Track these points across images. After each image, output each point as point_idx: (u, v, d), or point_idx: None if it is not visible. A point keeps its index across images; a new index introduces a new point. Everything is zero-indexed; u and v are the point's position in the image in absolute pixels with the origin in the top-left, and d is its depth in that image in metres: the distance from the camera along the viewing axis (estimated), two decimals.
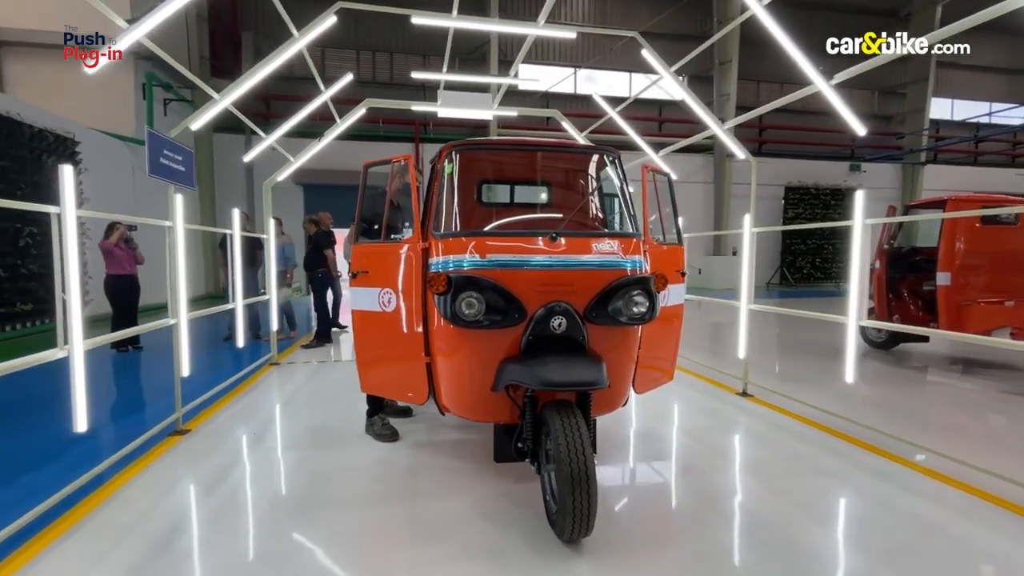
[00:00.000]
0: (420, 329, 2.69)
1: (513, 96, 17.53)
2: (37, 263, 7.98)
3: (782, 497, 2.71)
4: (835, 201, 18.64)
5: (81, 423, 2.47)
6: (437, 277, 2.38)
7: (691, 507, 2.63)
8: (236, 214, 4.57)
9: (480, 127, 16.68)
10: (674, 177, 3.30)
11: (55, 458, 3.18)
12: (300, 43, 3.62)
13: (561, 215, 3.12)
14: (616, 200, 2.95)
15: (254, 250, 6.79)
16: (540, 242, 2.49)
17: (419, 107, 5.60)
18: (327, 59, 16.73)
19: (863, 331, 6.44)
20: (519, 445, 2.47)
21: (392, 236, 2.91)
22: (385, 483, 2.84)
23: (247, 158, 5.12)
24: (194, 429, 3.66)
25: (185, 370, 3.59)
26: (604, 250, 2.53)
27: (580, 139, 6.15)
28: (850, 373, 3.41)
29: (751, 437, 3.63)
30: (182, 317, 3.56)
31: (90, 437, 3.39)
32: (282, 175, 5.64)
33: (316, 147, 5.68)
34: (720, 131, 4.33)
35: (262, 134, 5.13)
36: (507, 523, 2.40)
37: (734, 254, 18.43)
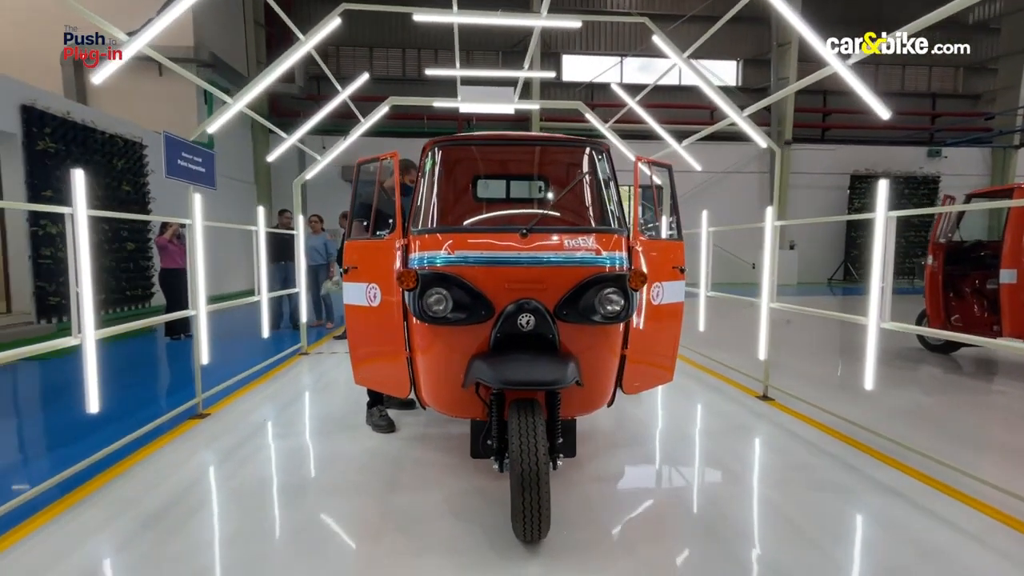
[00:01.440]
0: (402, 324, 2.73)
1: (555, 88, 17.35)
2: (109, 257, 8.79)
3: (769, 511, 2.55)
4: (909, 190, 17.09)
5: (93, 405, 2.70)
6: (406, 274, 2.40)
7: (667, 516, 2.52)
8: (260, 212, 4.82)
9: (522, 120, 16.62)
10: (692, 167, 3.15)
11: (81, 437, 3.50)
12: (307, 46, 3.75)
13: (544, 210, 3.06)
14: (603, 194, 2.85)
15: (289, 246, 7.12)
16: (510, 238, 2.45)
17: (440, 103, 5.66)
18: (365, 57, 17.21)
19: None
20: (488, 443, 2.47)
21: (378, 233, 2.96)
22: (367, 473, 2.92)
23: (270, 158, 5.38)
24: (213, 414, 3.91)
25: (205, 358, 3.84)
26: (577, 246, 2.46)
27: (605, 131, 5.98)
28: (870, 379, 3.13)
29: (759, 445, 3.42)
30: (201, 309, 3.81)
31: (119, 417, 3.72)
32: (310, 173, 5.88)
33: (343, 145, 5.88)
34: (739, 118, 4.08)
35: (283, 134, 5.36)
36: (474, 520, 2.40)
37: (791, 248, 17.38)
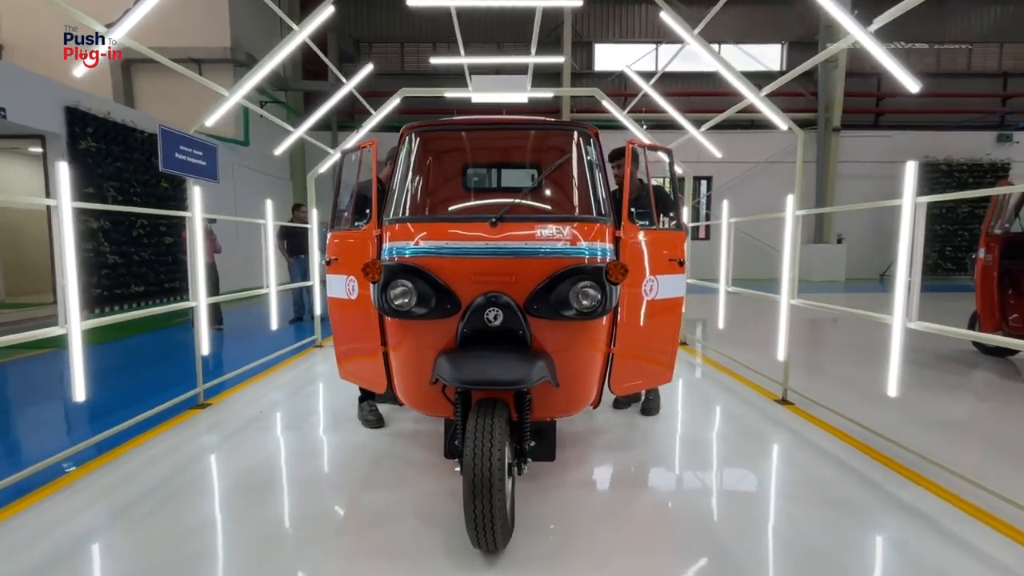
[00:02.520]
0: (377, 318, 2.64)
1: (588, 78, 16.93)
2: (148, 251, 9.21)
3: (762, 530, 2.30)
4: (973, 179, 15.72)
5: (80, 394, 2.75)
6: (371, 265, 2.30)
7: (649, 529, 2.32)
8: (268, 205, 4.86)
9: (554, 111, 16.34)
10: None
11: (83, 423, 3.61)
12: (301, 35, 3.72)
13: (517, 199, 2.88)
14: (588, 181, 2.66)
15: (305, 240, 7.21)
16: (480, 228, 2.31)
17: (451, 94, 5.55)
18: (400, 53, 17.30)
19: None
20: (455, 443, 2.34)
21: (356, 224, 2.88)
22: (343, 469, 2.86)
23: (278, 151, 5.41)
24: (214, 404, 3.97)
25: (205, 349, 3.89)
26: (550, 236, 2.29)
27: (622, 119, 5.72)
28: (893, 385, 2.81)
29: (768, 454, 3.14)
30: (201, 301, 3.86)
31: (123, 406, 3.83)
32: (323, 167, 5.91)
33: (356, 137, 5.87)
34: (757, 99, 3.76)
35: (289, 127, 5.39)
36: (438, 523, 2.29)
37: (839, 241, 16.37)
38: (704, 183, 16.67)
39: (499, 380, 2.03)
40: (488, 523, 1.88)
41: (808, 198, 16.24)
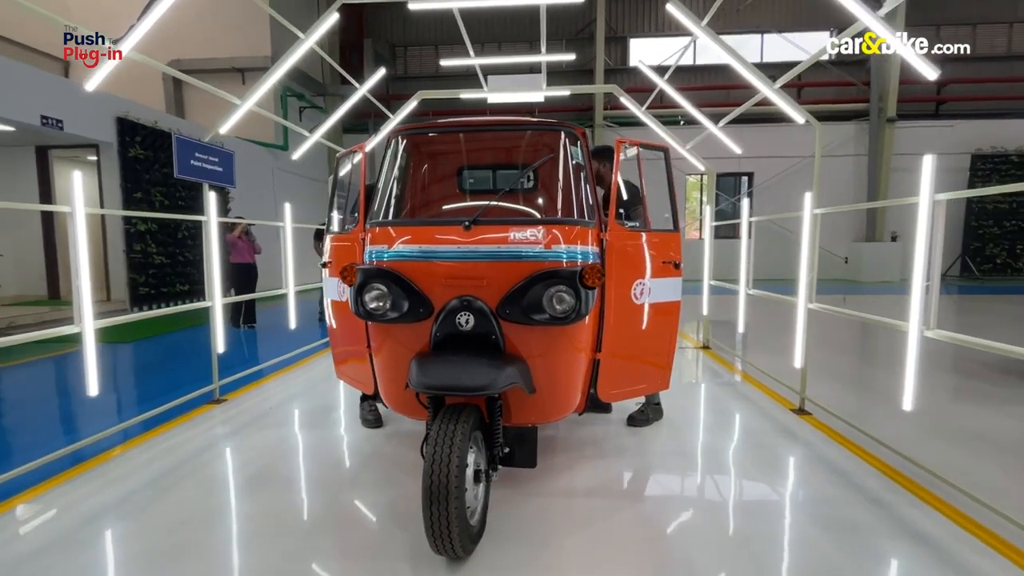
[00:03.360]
0: (363, 321, 2.67)
1: (622, 74, 16.60)
2: (191, 252, 9.74)
3: (744, 550, 2.17)
4: None
5: (92, 389, 2.92)
6: (347, 269, 2.33)
7: (627, 544, 2.23)
8: (287, 208, 5.02)
9: (586, 109, 16.13)
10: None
11: (104, 415, 3.84)
12: (307, 43, 3.81)
13: (510, 201, 2.84)
14: (573, 183, 2.58)
15: None
16: (453, 231, 2.29)
17: (467, 95, 5.56)
18: (429, 54, 17.51)
19: None
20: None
21: (346, 227, 2.92)
22: (332, 468, 2.91)
23: (295, 156, 5.57)
24: (230, 400, 4.14)
25: (220, 347, 4.06)
26: (524, 239, 2.25)
27: (641, 115, 5.56)
28: (908, 398, 2.59)
29: (774, 467, 2.96)
30: (217, 301, 4.02)
31: (145, 400, 4.05)
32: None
33: (374, 140, 5.98)
34: (770, 91, 3.56)
35: (305, 132, 5.54)
36: (411, 526, 2.28)
37: (893, 239, 15.36)
38: (744, 180, 16.01)
39: (463, 386, 2.01)
40: (444, 529, 1.86)
41: (859, 195, 15.32)
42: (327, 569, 2.03)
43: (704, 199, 7.62)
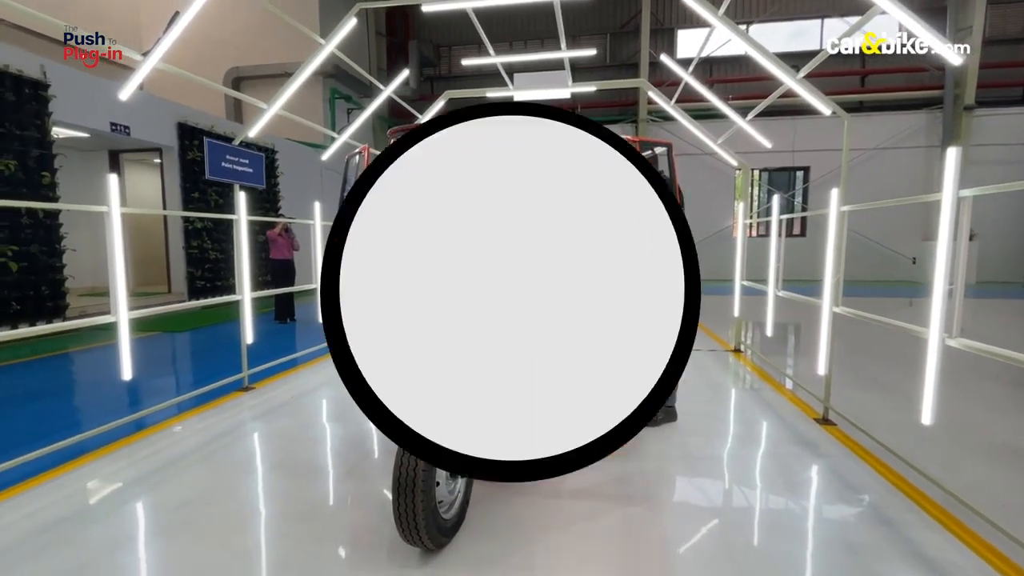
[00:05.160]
0: None
1: (666, 68, 16.08)
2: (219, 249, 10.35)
3: (721, 567, 2.08)
4: None
5: (126, 374, 3.19)
6: None
7: (607, 551, 2.19)
8: (317, 207, 5.24)
9: (630, 104, 15.78)
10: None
11: (144, 398, 4.15)
12: (328, 47, 3.96)
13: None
14: None
15: None
16: None
17: (494, 94, 5.59)
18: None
19: None
20: None
21: None
22: (332, 457, 3.04)
23: (324, 156, 5.79)
24: (257, 388, 4.39)
25: (249, 338, 4.31)
26: None
27: (670, 110, 5.40)
28: (928, 412, 2.38)
29: (786, 480, 2.80)
30: (246, 294, 4.27)
31: (186, 386, 4.36)
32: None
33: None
34: (793, 82, 3.36)
35: (334, 134, 5.74)
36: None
37: (971, 238, 14.03)
38: (800, 174, 15.16)
39: None
40: (411, 521, 1.91)
41: (931, 188, 14.13)
42: (307, 554, 2.12)
43: (740, 196, 7.29)
